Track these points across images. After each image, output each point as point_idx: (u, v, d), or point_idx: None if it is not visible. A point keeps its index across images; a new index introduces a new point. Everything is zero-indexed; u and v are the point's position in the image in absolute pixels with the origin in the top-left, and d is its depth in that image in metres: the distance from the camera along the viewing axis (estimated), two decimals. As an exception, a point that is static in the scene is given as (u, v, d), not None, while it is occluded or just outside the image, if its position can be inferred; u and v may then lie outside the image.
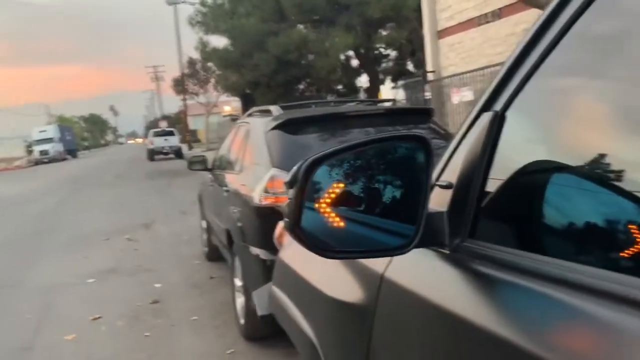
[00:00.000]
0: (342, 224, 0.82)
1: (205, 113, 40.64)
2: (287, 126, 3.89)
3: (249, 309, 3.70)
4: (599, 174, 0.79)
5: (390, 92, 21.31)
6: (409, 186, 0.86)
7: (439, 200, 0.90)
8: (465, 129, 0.94)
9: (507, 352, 0.69)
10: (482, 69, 11.24)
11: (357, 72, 22.18)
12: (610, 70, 0.81)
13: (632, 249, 0.73)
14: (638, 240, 0.72)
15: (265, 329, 3.72)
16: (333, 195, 0.82)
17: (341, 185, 0.83)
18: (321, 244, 0.82)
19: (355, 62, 21.71)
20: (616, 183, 0.76)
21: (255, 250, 3.60)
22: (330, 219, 0.82)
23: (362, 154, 0.86)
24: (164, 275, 5.75)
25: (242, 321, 3.94)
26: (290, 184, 0.79)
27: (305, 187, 0.78)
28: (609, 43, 0.81)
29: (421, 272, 0.95)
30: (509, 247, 0.84)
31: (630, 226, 0.74)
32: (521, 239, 0.88)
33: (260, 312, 1.94)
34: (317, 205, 0.81)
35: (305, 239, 0.81)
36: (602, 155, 0.81)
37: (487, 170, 0.88)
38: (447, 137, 4.34)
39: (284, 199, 3.61)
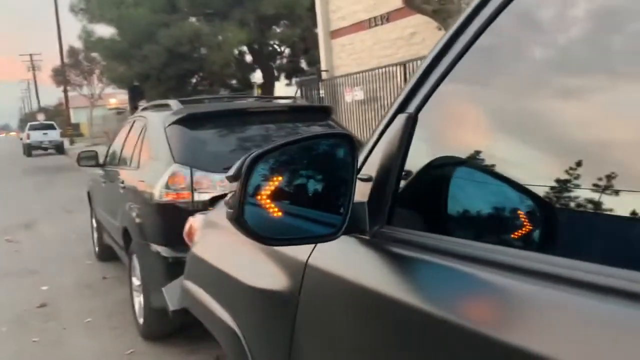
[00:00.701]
0: (279, 214, 0.90)
1: (89, 106, 38.34)
2: (187, 121, 3.85)
3: (149, 308, 3.63)
4: (490, 168, 0.93)
5: (284, 89, 21.49)
6: (337, 179, 0.95)
7: (360, 192, 1.00)
8: (382, 128, 1.05)
9: (424, 321, 0.80)
10: (373, 69, 11.72)
11: (251, 68, 22.09)
12: (506, 78, 0.95)
13: (516, 228, 0.89)
14: (521, 221, 0.88)
15: (166, 327, 3.67)
16: (271, 189, 0.89)
17: (278, 179, 0.91)
18: (262, 233, 0.89)
19: (249, 58, 21.62)
20: (504, 175, 0.91)
21: (156, 248, 3.53)
22: (269, 211, 0.89)
23: (296, 151, 0.94)
24: (51, 277, 5.42)
25: (141, 320, 3.85)
26: (233, 178, 0.85)
27: (247, 181, 0.85)
28: (506, 55, 0.95)
29: (344, 258, 1.04)
30: (420, 230, 0.96)
31: (514, 210, 0.90)
32: (430, 223, 1.01)
33: (172, 307, 1.94)
34: (257, 198, 0.88)
35: (248, 230, 0.87)
36: (494, 152, 0.96)
37: (402, 164, 1.00)
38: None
39: (186, 195, 3.59)
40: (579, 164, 0.76)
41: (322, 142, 0.97)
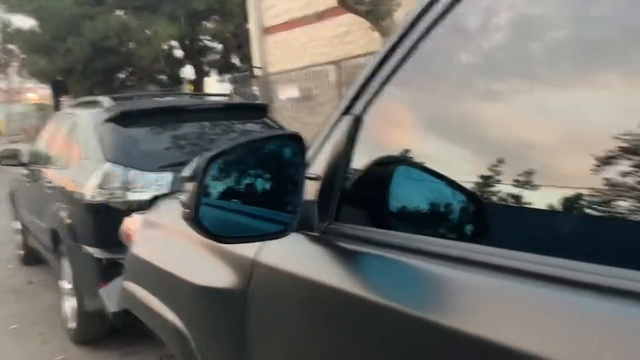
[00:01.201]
0: (233, 214, 0.92)
1: (5, 101, 36.15)
2: (120, 119, 3.74)
3: (82, 311, 3.51)
4: (427, 166, 1.01)
5: (216, 86, 21.17)
6: (287, 179, 0.99)
7: (308, 190, 1.04)
8: (328, 129, 1.09)
9: (372, 312, 0.86)
10: (307, 67, 11.80)
11: (181, 63, 21.59)
12: (444, 82, 1.03)
13: (450, 221, 0.97)
14: (454, 214, 0.96)
15: (100, 331, 3.56)
16: (225, 189, 0.92)
17: (232, 179, 0.93)
18: (217, 232, 0.91)
19: (179, 53, 21.13)
20: (439, 172, 0.99)
21: (88, 250, 3.42)
22: (224, 210, 0.91)
23: (249, 151, 0.96)
24: (-30, 283, 5.12)
25: (71, 325, 3.71)
26: (190, 179, 0.87)
27: (203, 182, 0.87)
28: (444, 60, 1.02)
29: (293, 254, 1.08)
30: (366, 226, 1.02)
31: (448, 205, 0.98)
32: (375, 218, 1.07)
33: (111, 308, 1.91)
34: (212, 198, 0.90)
35: (204, 229, 0.89)
36: (431, 151, 1.03)
37: (349, 164, 1.05)
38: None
39: (120, 194, 3.49)
40: (501, 161, 0.84)
41: (273, 143, 1.01)
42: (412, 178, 1.06)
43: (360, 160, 1.07)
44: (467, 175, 0.91)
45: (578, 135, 0.77)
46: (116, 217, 3.27)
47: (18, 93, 37.10)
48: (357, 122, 1.05)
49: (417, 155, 1.05)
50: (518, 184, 0.80)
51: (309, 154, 1.12)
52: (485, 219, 0.91)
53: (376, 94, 1.03)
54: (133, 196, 3.39)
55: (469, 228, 0.94)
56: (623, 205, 0.67)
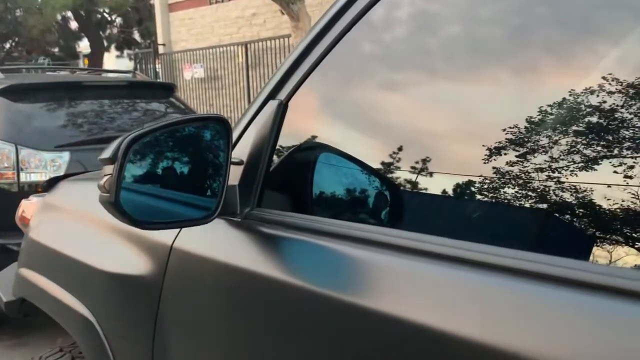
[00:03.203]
0: (155, 199, 0.88)
1: None
2: (11, 93, 3.45)
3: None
4: (348, 152, 1.03)
5: (115, 62, 20.08)
6: (211, 163, 0.96)
7: (231, 176, 1.02)
8: (252, 113, 1.08)
9: (294, 295, 0.87)
10: (213, 47, 11.51)
11: (77, 36, 20.24)
12: (368, 72, 1.05)
13: (369, 206, 1.01)
14: (373, 200, 1.00)
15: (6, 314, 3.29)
16: (147, 172, 0.87)
17: (153, 162, 0.89)
18: (138, 217, 0.87)
19: (75, 25, 19.77)
20: (359, 159, 1.02)
21: (-24, 235, 3.14)
22: (145, 195, 0.87)
23: (172, 134, 0.92)
24: None
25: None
26: (110, 161, 0.82)
27: (123, 165, 0.82)
28: (369, 51, 1.04)
29: (214, 240, 1.06)
30: (289, 211, 1.02)
31: (367, 191, 1.01)
32: (297, 204, 1.07)
33: (5, 298, 1.77)
34: (133, 181, 0.85)
35: (125, 214, 0.84)
36: (352, 138, 1.06)
37: (273, 149, 1.04)
38: (188, 112, 4.42)
39: (10, 175, 3.23)
40: (416, 149, 0.90)
41: (197, 125, 0.97)
42: (334, 164, 1.08)
43: (284, 146, 1.07)
44: (386, 162, 0.95)
45: (473, 126, 0.84)
46: (8, 199, 3.02)
47: None
48: (282, 108, 1.04)
49: (339, 143, 1.07)
50: (426, 171, 0.86)
51: (233, 138, 1.10)
52: (400, 205, 0.96)
53: (302, 80, 1.03)
54: (26, 177, 3.15)
55: (385, 213, 0.99)
56: (511, 191, 0.76)
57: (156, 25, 14.20)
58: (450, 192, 0.84)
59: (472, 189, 0.81)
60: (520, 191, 0.75)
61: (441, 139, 0.90)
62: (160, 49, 13.63)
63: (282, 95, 1.04)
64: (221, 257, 1.02)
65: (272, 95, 1.06)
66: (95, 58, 19.24)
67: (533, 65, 0.81)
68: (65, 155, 3.24)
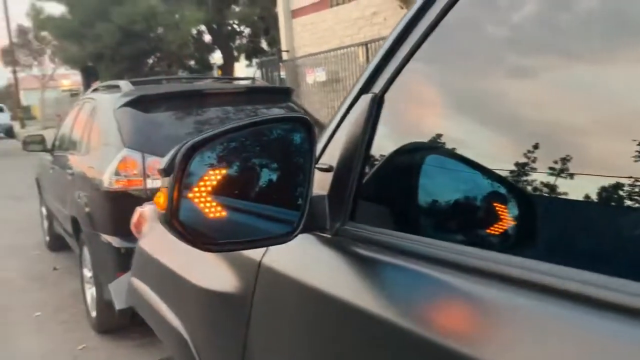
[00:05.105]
0: (223, 213, 0.75)
1: (40, 87, 36.84)
2: (139, 103, 3.63)
3: (102, 300, 3.44)
4: (464, 155, 0.81)
5: (245, 70, 21.07)
6: (292, 170, 0.81)
7: (319, 184, 0.87)
8: (344, 111, 0.91)
9: (387, 331, 0.69)
10: (335, 50, 11.54)
11: (210, 48, 21.53)
12: (476, 59, 0.83)
13: (495, 225, 0.77)
14: (500, 217, 0.77)
15: (120, 321, 3.49)
16: (213, 183, 0.75)
17: (221, 171, 0.76)
18: (202, 237, 0.74)
19: (208, 38, 21.05)
20: (480, 163, 0.78)
21: (106, 238, 3.34)
22: (211, 209, 0.74)
23: (243, 138, 0.79)
24: (-4, 268, 5.14)
25: (93, 314, 3.66)
26: (166, 172, 0.71)
27: (183, 175, 0.70)
28: (477, 34, 0.83)
29: (302, 258, 0.92)
30: (388, 228, 0.84)
31: (493, 204, 0.78)
32: (398, 220, 0.89)
33: (118, 305, 1.79)
34: (195, 194, 0.73)
35: (184, 233, 0.72)
36: (468, 136, 0.84)
37: (367, 152, 0.87)
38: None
39: (138, 182, 3.40)
40: (545, 145, 0.65)
41: (274, 127, 0.82)
42: (445, 169, 0.87)
43: (381, 148, 0.89)
44: (519, 165, 0.69)
45: (622, 117, 0.59)
46: (134, 205, 3.16)
47: (52, 79, 37.79)
48: (377, 102, 0.86)
49: (451, 142, 0.85)
50: (568, 173, 0.62)
51: (322, 140, 0.95)
52: (541, 226, 0.68)
53: (400, 69, 0.85)
54: (152, 183, 3.28)
55: (518, 236, 0.72)
56: None
57: (280, 32, 14.62)
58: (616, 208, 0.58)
59: None
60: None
61: (576, 130, 0.65)
62: (284, 55, 14.00)
63: (377, 88, 0.87)
64: (309, 278, 0.88)
65: (365, 88, 0.89)
66: (227, 68, 20.33)
67: None
68: (188, 162, 3.33)
